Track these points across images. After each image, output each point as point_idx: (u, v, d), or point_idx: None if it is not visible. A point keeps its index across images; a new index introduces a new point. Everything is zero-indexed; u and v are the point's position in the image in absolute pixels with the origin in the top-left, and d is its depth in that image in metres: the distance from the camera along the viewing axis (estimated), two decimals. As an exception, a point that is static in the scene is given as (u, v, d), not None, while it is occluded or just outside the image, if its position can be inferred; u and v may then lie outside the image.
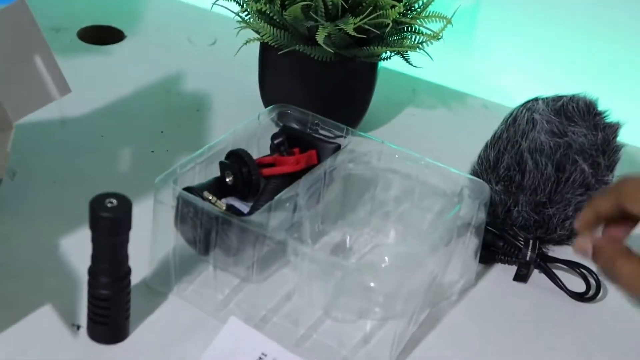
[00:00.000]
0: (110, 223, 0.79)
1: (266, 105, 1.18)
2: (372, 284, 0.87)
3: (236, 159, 0.99)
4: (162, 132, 1.18)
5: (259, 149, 1.05)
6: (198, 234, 0.91)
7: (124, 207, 0.79)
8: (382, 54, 1.13)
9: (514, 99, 1.13)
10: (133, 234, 0.82)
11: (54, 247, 0.97)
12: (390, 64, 1.18)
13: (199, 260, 0.94)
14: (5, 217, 0.99)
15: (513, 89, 1.32)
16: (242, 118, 1.04)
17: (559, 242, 1.04)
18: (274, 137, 1.03)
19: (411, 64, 1.16)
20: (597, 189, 1.01)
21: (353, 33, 1.05)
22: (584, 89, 1.09)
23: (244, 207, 0.97)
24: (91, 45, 1.35)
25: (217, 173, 0.99)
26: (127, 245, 0.82)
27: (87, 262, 0.83)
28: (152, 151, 1.13)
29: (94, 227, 0.80)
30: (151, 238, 0.93)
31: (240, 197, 0.99)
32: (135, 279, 0.87)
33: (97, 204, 0.79)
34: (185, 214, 0.91)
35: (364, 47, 1.10)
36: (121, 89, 1.25)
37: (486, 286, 1.00)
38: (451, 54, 1.29)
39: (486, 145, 1.06)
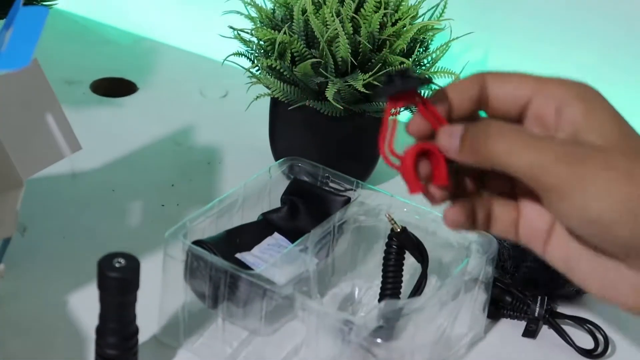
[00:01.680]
0: (118, 283, 0.80)
1: (276, 159, 1.19)
2: (379, 340, 0.87)
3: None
4: (172, 185, 1.18)
5: (270, 202, 1.05)
6: (207, 287, 0.92)
7: (132, 267, 0.80)
8: (391, 110, 1.13)
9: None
10: (143, 288, 0.82)
11: (62, 304, 0.97)
12: (400, 117, 1.19)
13: (208, 313, 0.95)
14: (14, 273, 0.99)
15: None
16: (253, 171, 1.05)
17: (568, 297, 1.04)
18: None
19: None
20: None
21: (362, 89, 1.06)
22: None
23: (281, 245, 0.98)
24: (103, 97, 1.37)
25: (228, 226, 0.99)
26: (135, 305, 0.82)
27: (95, 320, 0.83)
28: (163, 205, 1.14)
29: (101, 287, 0.80)
30: (161, 292, 0.94)
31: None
32: (144, 333, 0.87)
33: (105, 264, 0.79)
34: (195, 268, 0.92)
35: (373, 103, 1.11)
36: (132, 142, 1.25)
37: (494, 341, 0.99)
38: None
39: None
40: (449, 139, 0.65)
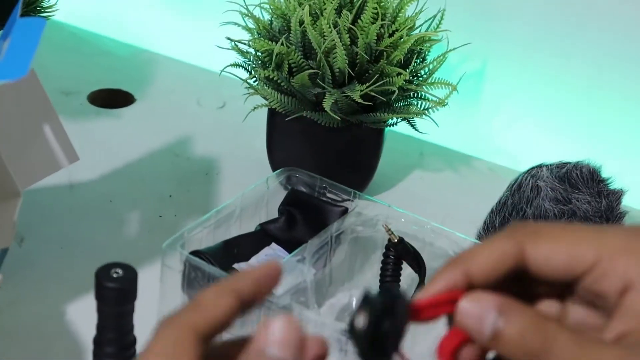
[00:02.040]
0: (115, 293, 0.79)
1: (274, 169, 1.19)
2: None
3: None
4: (170, 196, 1.18)
5: (268, 213, 1.06)
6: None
7: (130, 277, 0.80)
8: (388, 120, 1.14)
9: (519, 161, 1.13)
10: (140, 298, 0.82)
11: (60, 314, 0.97)
12: (398, 127, 1.20)
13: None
14: (12, 282, 0.99)
15: (518, 152, 1.33)
16: (251, 182, 1.05)
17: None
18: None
19: (417, 130, 1.17)
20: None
21: (360, 100, 1.06)
22: (588, 150, 1.10)
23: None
24: (101, 108, 1.37)
25: (225, 237, 1.00)
26: (132, 315, 0.82)
27: (92, 330, 0.83)
28: (160, 215, 1.14)
29: (99, 297, 0.80)
30: (158, 302, 0.94)
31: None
32: (142, 343, 0.87)
33: (102, 274, 0.79)
34: (193, 278, 0.92)
35: (371, 114, 1.11)
36: (130, 153, 1.26)
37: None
38: (456, 117, 1.30)
39: (491, 212, 1.06)
40: (479, 323, 0.48)
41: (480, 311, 0.48)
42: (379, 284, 0.98)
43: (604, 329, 0.49)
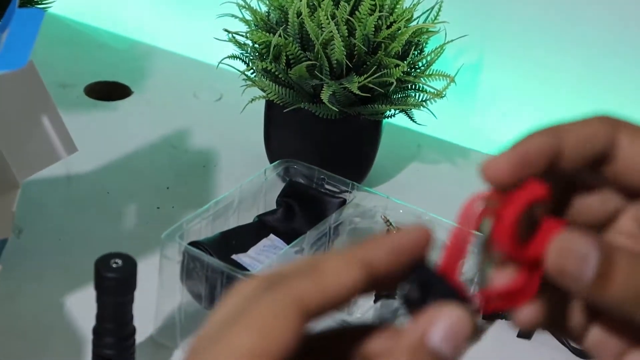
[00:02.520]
0: (115, 283, 0.80)
1: (272, 161, 1.19)
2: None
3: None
4: (168, 188, 1.19)
5: (266, 204, 1.06)
6: (204, 288, 0.92)
7: (129, 268, 0.80)
8: (386, 112, 1.14)
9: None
10: (139, 289, 0.82)
11: (59, 305, 0.97)
12: (395, 119, 1.20)
13: (204, 314, 0.95)
14: (11, 274, 0.99)
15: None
16: (248, 173, 1.06)
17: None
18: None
19: (415, 122, 1.17)
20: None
21: (357, 92, 1.06)
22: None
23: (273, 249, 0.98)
24: (98, 101, 1.37)
25: (224, 228, 1.00)
26: (132, 305, 0.83)
27: (92, 321, 0.83)
28: (158, 207, 1.14)
29: (98, 288, 0.80)
30: (157, 293, 0.94)
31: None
32: (141, 333, 0.87)
33: (102, 265, 0.79)
34: (191, 269, 0.92)
35: (369, 105, 1.12)
36: (127, 145, 1.26)
37: (490, 342, 1.00)
38: (454, 109, 1.30)
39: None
40: (580, 264, 0.41)
41: (581, 250, 0.40)
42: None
43: None
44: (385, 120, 1.19)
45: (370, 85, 1.08)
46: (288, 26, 1.10)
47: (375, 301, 0.98)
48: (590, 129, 0.43)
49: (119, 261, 0.80)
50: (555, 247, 0.41)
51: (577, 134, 0.43)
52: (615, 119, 0.44)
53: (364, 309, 1.00)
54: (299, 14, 1.09)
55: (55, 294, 0.98)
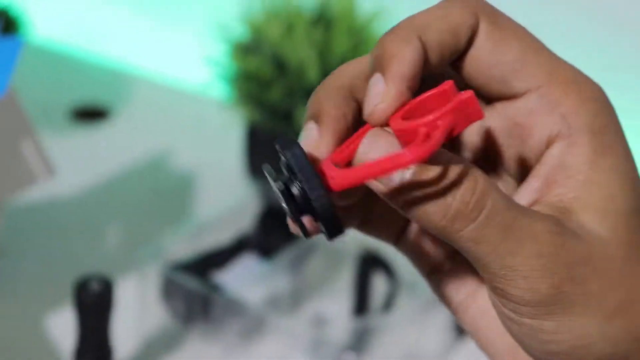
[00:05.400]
0: (93, 305, 0.81)
1: (251, 181, 1.21)
2: (350, 357, 0.89)
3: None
4: (148, 208, 1.20)
5: (244, 222, 1.07)
6: (182, 307, 0.94)
7: (107, 289, 0.81)
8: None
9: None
10: (118, 309, 0.83)
11: (39, 326, 0.98)
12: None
13: (183, 332, 0.97)
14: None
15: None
16: (228, 192, 1.07)
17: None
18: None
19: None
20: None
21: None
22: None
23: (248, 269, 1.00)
24: (79, 123, 1.38)
25: (203, 247, 1.02)
26: (110, 326, 0.84)
27: (72, 342, 0.84)
28: (138, 226, 1.15)
29: (77, 309, 0.82)
30: (136, 312, 0.96)
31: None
32: (120, 353, 0.89)
33: (79, 287, 0.81)
34: (170, 288, 0.94)
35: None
36: (108, 166, 1.27)
37: (462, 356, 1.01)
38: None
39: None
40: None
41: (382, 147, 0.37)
42: (352, 291, 1.00)
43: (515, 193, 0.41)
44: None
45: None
46: (264, 49, 1.11)
47: (350, 318, 0.99)
48: (452, 21, 0.38)
49: (97, 283, 0.81)
50: (366, 139, 0.38)
51: (440, 31, 0.38)
52: (476, 2, 0.39)
53: (339, 325, 1.02)
54: (275, 37, 1.11)
55: (36, 315, 0.99)
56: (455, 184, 0.36)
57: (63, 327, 0.93)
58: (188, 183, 1.26)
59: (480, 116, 0.37)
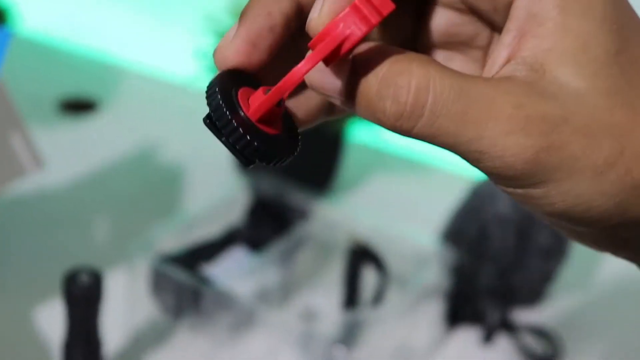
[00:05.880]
0: (82, 297, 0.81)
1: (240, 173, 1.21)
2: (340, 350, 0.89)
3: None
4: (138, 201, 1.20)
5: (234, 216, 1.08)
6: (172, 300, 0.94)
7: (96, 282, 0.81)
8: (350, 123, 1.16)
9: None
10: (108, 302, 0.84)
11: (28, 319, 0.98)
12: (359, 131, 1.22)
13: (173, 325, 0.97)
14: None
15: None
16: (217, 185, 1.07)
17: (524, 305, 1.06)
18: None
19: (380, 133, 1.19)
20: (560, 255, 1.04)
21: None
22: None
23: (239, 262, 1.00)
24: (69, 114, 1.38)
25: (192, 240, 1.02)
26: (99, 318, 0.84)
27: (61, 335, 0.84)
28: (128, 219, 1.16)
29: (66, 301, 0.82)
30: (126, 305, 0.96)
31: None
32: (109, 345, 0.89)
33: (69, 279, 0.81)
34: (160, 281, 0.94)
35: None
36: (98, 158, 1.27)
37: (453, 349, 1.02)
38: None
39: (453, 214, 1.09)
40: (325, 78, 0.38)
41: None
42: (342, 285, 1.00)
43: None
44: (349, 132, 1.20)
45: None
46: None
47: (340, 311, 1.00)
48: None
49: (86, 275, 0.81)
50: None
51: None
52: None
53: (329, 319, 1.02)
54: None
55: (26, 307, 0.99)
56: (388, 84, 0.36)
57: (52, 319, 0.93)
58: (177, 176, 1.26)
59: (390, 7, 0.36)
